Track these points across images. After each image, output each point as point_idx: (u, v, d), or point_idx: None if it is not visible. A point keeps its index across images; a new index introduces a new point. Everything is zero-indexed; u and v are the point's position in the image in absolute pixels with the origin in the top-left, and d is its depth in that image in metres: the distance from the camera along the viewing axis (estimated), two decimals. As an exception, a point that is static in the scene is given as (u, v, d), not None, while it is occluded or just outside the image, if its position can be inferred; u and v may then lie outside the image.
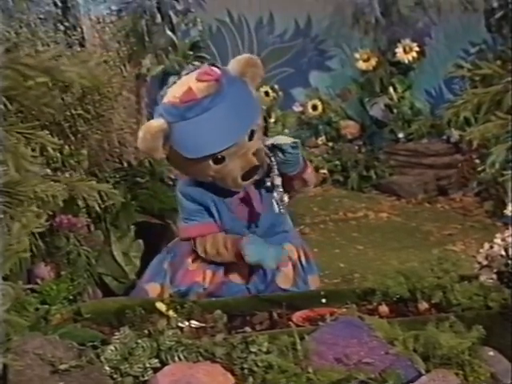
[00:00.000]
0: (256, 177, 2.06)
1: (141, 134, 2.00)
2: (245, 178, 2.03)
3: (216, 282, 2.14)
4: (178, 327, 1.64)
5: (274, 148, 1.98)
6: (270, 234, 2.15)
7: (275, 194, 1.98)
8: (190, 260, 2.18)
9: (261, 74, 2.06)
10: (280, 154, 1.97)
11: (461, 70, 1.40)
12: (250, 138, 2.01)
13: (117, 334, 1.51)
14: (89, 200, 1.44)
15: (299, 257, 2.23)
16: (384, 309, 1.81)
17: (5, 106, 1.12)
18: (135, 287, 2.34)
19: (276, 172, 1.99)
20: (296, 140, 1.99)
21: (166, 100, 2.02)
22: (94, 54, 2.93)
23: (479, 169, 4.12)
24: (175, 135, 1.96)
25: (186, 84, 1.98)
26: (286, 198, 2.00)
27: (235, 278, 2.14)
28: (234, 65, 2.03)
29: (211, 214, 2.11)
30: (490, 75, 1.30)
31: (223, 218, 2.12)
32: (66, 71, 1.05)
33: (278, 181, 1.99)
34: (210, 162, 1.99)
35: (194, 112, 1.93)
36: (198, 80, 1.96)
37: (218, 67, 2.03)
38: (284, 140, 1.98)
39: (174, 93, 2.00)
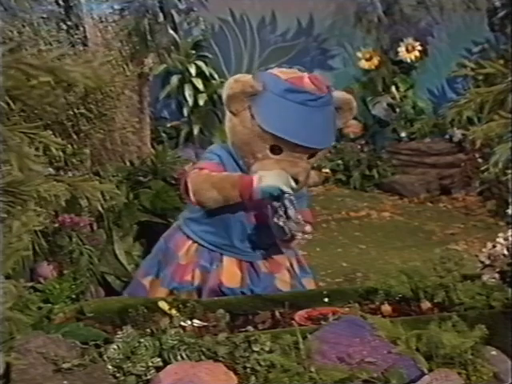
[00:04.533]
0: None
1: (231, 80, 2.04)
2: None
3: (209, 284, 2.13)
4: (181, 326, 1.64)
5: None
6: (261, 243, 2.16)
7: (293, 225, 1.98)
8: (181, 253, 2.17)
9: (350, 117, 2.16)
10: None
11: (464, 70, 1.40)
12: (310, 157, 2.05)
13: (119, 332, 1.51)
14: (92, 200, 1.44)
15: (292, 265, 2.24)
16: (386, 308, 1.81)
17: (8, 105, 1.12)
18: (131, 282, 2.34)
19: (290, 207, 1.98)
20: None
21: (271, 71, 2.08)
22: (97, 53, 2.93)
23: (482, 168, 4.12)
24: (262, 101, 2.00)
25: (298, 73, 2.06)
26: (308, 229, 2.00)
27: (228, 280, 2.13)
28: (336, 93, 2.10)
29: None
30: (493, 74, 1.30)
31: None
32: (70, 71, 1.05)
33: (292, 213, 1.98)
34: (268, 146, 2.01)
35: (293, 97, 1.99)
36: (310, 78, 2.03)
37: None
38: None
39: (283, 72, 2.07)
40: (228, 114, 2.10)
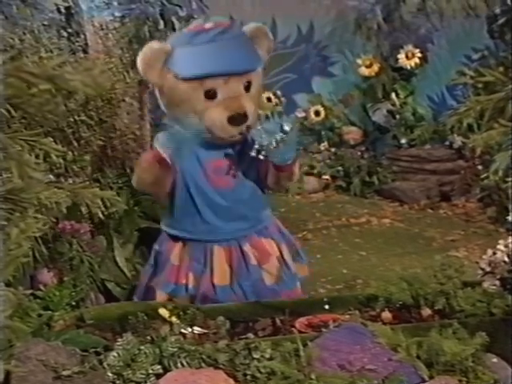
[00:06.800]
0: (242, 129, 2.05)
1: (142, 51, 2.09)
2: (231, 121, 2.04)
3: (202, 287, 2.13)
4: (181, 333, 1.64)
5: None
6: (243, 217, 2.17)
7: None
8: (173, 255, 2.19)
9: (269, 44, 2.20)
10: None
11: (463, 78, 1.40)
12: (247, 89, 2.08)
13: (119, 340, 1.51)
14: (92, 207, 1.44)
15: (281, 252, 2.24)
16: (387, 315, 1.81)
17: (9, 112, 1.12)
18: (138, 288, 2.33)
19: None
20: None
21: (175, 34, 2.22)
22: (98, 62, 2.94)
23: (482, 176, 4.12)
24: (176, 57, 2.04)
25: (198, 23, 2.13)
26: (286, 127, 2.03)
27: (218, 279, 2.14)
28: (247, 26, 2.18)
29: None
30: (493, 82, 1.30)
31: (190, 171, 2.12)
32: (71, 79, 1.06)
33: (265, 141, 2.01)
34: (202, 95, 2.03)
35: (200, 39, 2.04)
36: (211, 22, 2.11)
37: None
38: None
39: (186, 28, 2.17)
40: (156, 92, 2.13)
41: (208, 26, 2.06)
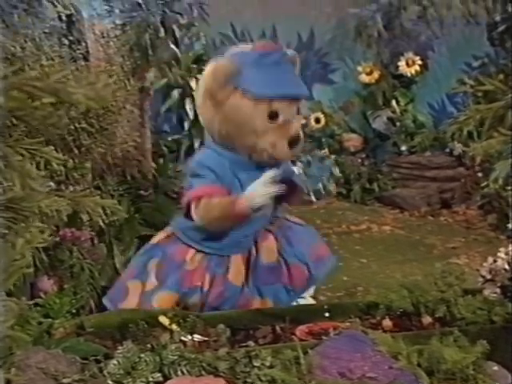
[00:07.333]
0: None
1: (209, 71, 2.08)
2: (291, 144, 2.08)
3: (216, 286, 2.12)
4: (181, 341, 1.64)
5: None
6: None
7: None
8: (187, 260, 2.15)
9: (297, 70, 2.25)
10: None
11: (463, 86, 1.41)
12: (297, 112, 2.14)
13: (120, 348, 1.51)
14: (93, 215, 1.45)
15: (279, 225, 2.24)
16: (387, 323, 1.81)
17: (11, 122, 1.12)
18: (114, 285, 2.30)
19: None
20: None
21: (233, 51, 2.14)
22: (101, 75, 2.94)
23: (482, 184, 4.13)
24: (246, 76, 2.04)
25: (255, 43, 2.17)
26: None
27: (233, 278, 2.14)
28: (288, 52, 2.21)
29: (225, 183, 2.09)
30: (493, 91, 1.31)
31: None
32: (74, 93, 1.06)
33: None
34: (266, 115, 2.04)
35: (268, 61, 2.06)
36: (265, 43, 2.18)
37: None
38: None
39: (242, 47, 2.15)
40: (209, 110, 2.10)
41: (267, 46, 2.10)
